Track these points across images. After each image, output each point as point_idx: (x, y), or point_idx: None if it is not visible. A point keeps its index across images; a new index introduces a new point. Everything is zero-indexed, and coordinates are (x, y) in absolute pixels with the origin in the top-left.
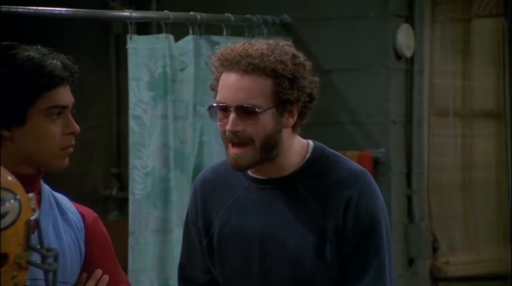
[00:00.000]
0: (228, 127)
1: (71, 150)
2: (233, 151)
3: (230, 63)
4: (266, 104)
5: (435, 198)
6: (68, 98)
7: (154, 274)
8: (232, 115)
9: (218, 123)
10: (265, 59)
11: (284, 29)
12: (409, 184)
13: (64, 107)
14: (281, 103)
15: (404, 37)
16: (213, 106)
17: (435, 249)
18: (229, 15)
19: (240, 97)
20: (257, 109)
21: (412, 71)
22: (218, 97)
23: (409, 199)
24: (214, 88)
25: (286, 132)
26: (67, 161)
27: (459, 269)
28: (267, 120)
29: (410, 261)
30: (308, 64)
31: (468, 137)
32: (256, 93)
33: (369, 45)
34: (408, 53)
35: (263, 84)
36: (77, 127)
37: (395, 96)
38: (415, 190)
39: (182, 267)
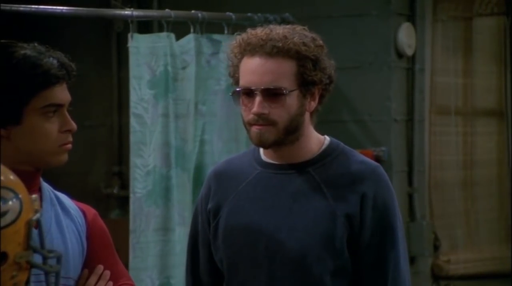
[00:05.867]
0: (254, 109)
1: (70, 146)
2: (257, 127)
3: (253, 48)
4: (291, 86)
5: (437, 196)
6: (64, 97)
7: (155, 273)
8: (258, 98)
9: (241, 107)
10: (289, 42)
11: None
12: (410, 182)
13: (60, 105)
14: (304, 85)
15: (406, 36)
16: (237, 91)
17: (436, 247)
18: (230, 13)
19: (266, 80)
20: (284, 91)
21: (413, 69)
22: (242, 82)
23: (411, 197)
24: (234, 75)
25: (306, 118)
26: (65, 156)
27: (460, 267)
28: (292, 102)
29: (412, 260)
30: (325, 47)
31: (469, 135)
32: (282, 75)
33: (370, 43)
34: (409, 52)
35: (288, 66)
36: (73, 125)
37: (396, 94)
38: (416, 188)
39: (188, 263)
